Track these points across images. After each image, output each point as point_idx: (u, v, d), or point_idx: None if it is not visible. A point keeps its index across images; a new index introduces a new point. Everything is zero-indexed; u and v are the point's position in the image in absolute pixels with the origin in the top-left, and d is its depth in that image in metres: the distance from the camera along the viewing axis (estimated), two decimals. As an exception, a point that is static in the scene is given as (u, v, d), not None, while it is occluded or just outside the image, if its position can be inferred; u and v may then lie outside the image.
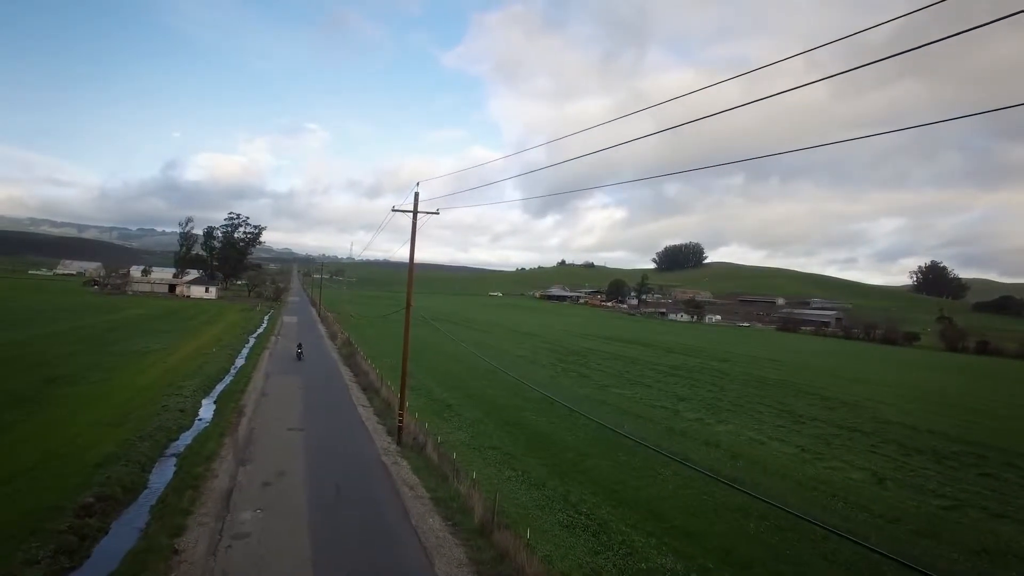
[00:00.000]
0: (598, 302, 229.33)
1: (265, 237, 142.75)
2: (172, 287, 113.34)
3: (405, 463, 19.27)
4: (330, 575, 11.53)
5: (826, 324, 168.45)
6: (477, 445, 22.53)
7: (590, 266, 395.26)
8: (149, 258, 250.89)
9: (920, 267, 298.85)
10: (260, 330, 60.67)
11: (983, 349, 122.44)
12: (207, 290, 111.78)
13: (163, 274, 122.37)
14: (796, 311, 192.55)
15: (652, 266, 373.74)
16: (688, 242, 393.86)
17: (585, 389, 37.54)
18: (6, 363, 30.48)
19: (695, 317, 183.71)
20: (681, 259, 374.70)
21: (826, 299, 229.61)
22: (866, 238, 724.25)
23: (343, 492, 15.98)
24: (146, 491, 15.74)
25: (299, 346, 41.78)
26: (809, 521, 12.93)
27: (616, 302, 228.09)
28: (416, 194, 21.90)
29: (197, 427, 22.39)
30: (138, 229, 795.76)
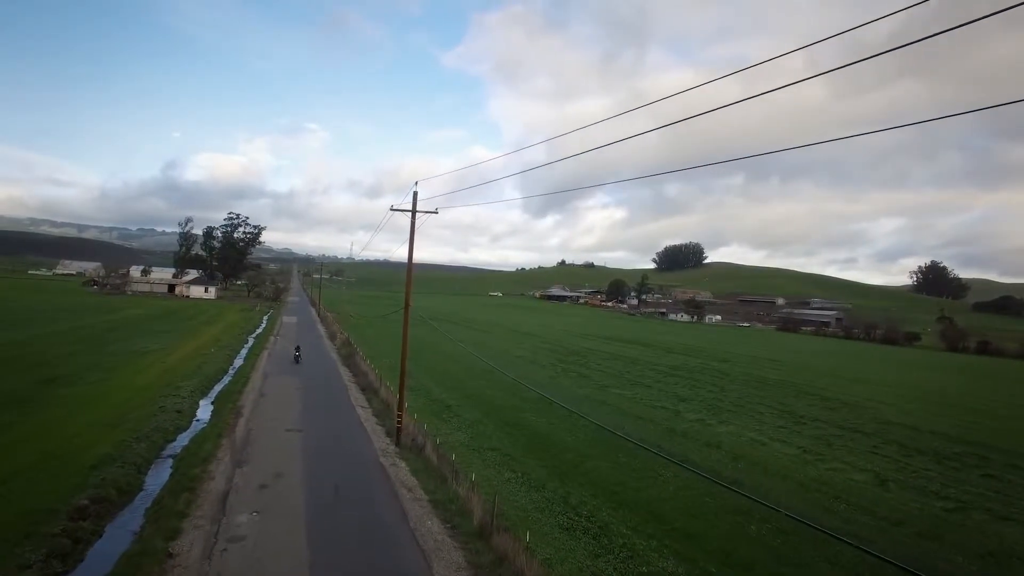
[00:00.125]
0: (598, 302, 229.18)
1: (265, 237, 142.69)
2: (171, 287, 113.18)
3: (404, 464, 19.12)
4: (327, 579, 11.37)
5: (826, 324, 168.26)
6: (476, 446, 22.37)
7: (590, 266, 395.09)
8: (149, 258, 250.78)
9: (920, 267, 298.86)
10: (259, 330, 60.51)
11: (984, 349, 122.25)
12: (206, 290, 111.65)
13: (163, 274, 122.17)
14: (796, 311, 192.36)
15: (652, 266, 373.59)
16: (688, 242, 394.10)
17: (585, 389, 37.38)
18: (4, 363, 30.34)
19: (695, 317, 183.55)
20: (681, 259, 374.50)
21: (826, 299, 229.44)
22: (866, 238, 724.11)
23: (341, 494, 15.82)
24: (142, 493, 15.60)
25: (297, 348, 40.32)
26: (807, 524, 12.78)
27: (616, 302, 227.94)
28: (415, 193, 21.76)
29: (195, 428, 22.25)
30: (138, 229, 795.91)
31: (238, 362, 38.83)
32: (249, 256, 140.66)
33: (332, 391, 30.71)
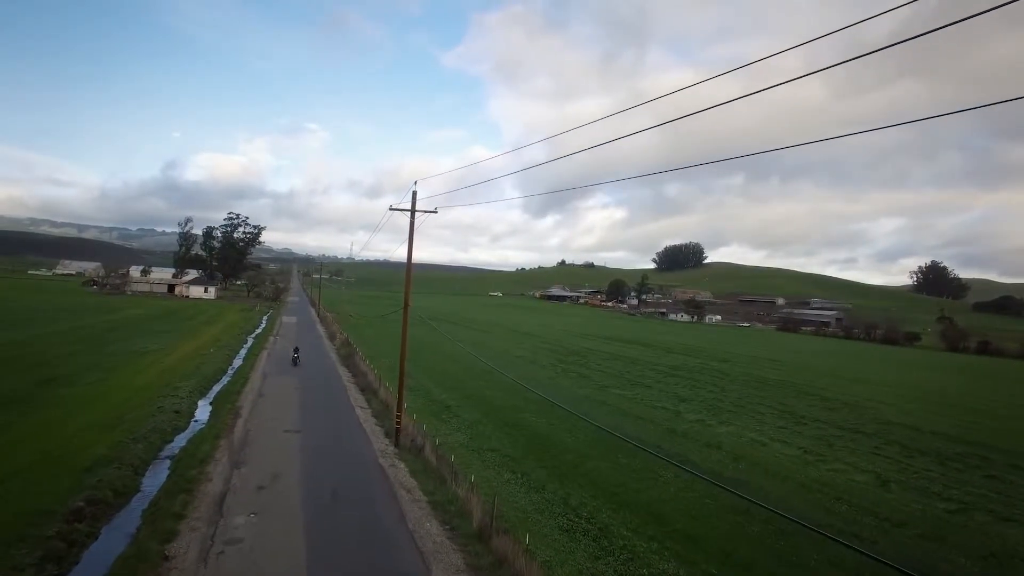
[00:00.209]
0: (598, 302, 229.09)
1: (265, 237, 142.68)
2: (171, 287, 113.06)
3: (403, 465, 19.00)
4: (324, 582, 11.26)
5: (826, 324, 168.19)
6: (476, 447, 22.26)
7: (590, 266, 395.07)
8: (149, 258, 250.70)
9: (920, 267, 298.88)
10: (258, 330, 60.40)
11: (984, 349, 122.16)
12: (206, 290, 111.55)
13: (162, 274, 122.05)
14: (796, 311, 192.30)
15: (652, 266, 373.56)
16: (688, 242, 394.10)
17: (585, 390, 37.27)
18: (3, 363, 30.23)
19: (695, 317, 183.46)
20: (681, 259, 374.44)
21: (826, 299, 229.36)
22: (866, 238, 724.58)
23: (339, 495, 15.70)
24: (138, 495, 15.45)
25: (295, 350, 39.06)
26: (806, 526, 12.65)
27: (616, 302, 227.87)
28: (414, 193, 21.66)
29: (192, 428, 22.11)
30: (138, 229, 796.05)
31: (237, 362, 38.72)
32: (249, 256, 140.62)
33: (331, 391, 30.59)
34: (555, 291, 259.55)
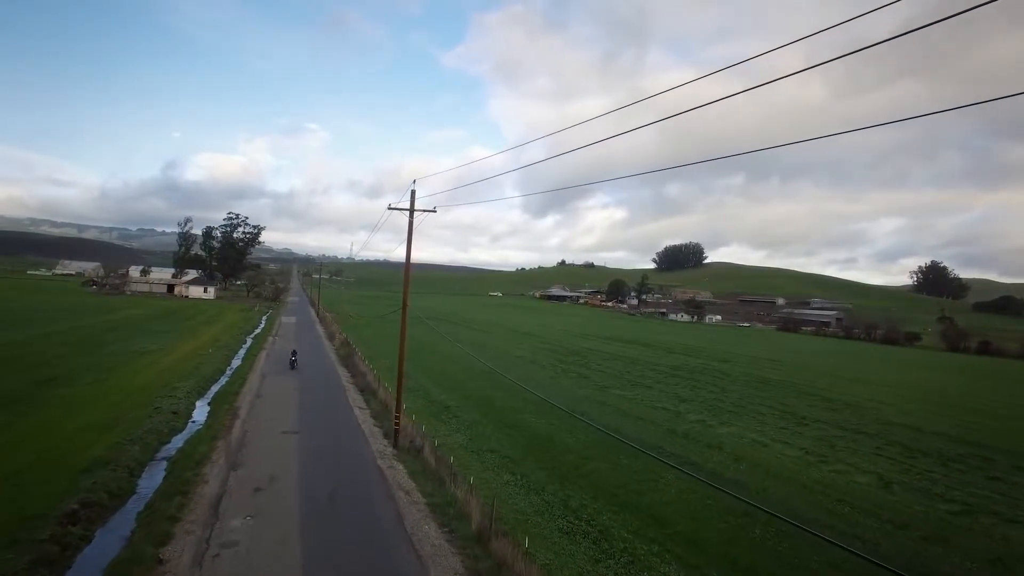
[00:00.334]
0: (598, 302, 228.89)
1: (265, 237, 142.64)
2: (171, 287, 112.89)
3: (401, 467, 18.83)
4: (321, 586, 11.10)
5: (826, 324, 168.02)
6: (475, 448, 22.10)
7: (590, 266, 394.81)
8: (149, 258, 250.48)
9: (920, 267, 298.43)
10: (258, 331, 60.22)
11: (984, 349, 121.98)
12: (205, 290, 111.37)
13: (162, 274, 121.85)
14: (796, 311, 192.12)
15: (652, 266, 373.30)
16: (688, 242, 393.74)
17: (585, 390, 37.11)
18: (0, 363, 30.05)
19: (695, 317, 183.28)
20: (681, 259, 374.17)
21: (826, 299, 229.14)
22: (866, 238, 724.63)
23: (337, 498, 15.54)
24: (134, 497, 15.30)
25: (293, 354, 37.34)
26: (807, 530, 12.50)
27: (616, 302, 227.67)
28: (412, 192, 21.49)
29: (190, 430, 21.94)
30: (138, 229, 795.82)
31: (236, 363, 38.55)
32: (249, 256, 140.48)
33: (330, 392, 30.42)
34: (555, 291, 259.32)
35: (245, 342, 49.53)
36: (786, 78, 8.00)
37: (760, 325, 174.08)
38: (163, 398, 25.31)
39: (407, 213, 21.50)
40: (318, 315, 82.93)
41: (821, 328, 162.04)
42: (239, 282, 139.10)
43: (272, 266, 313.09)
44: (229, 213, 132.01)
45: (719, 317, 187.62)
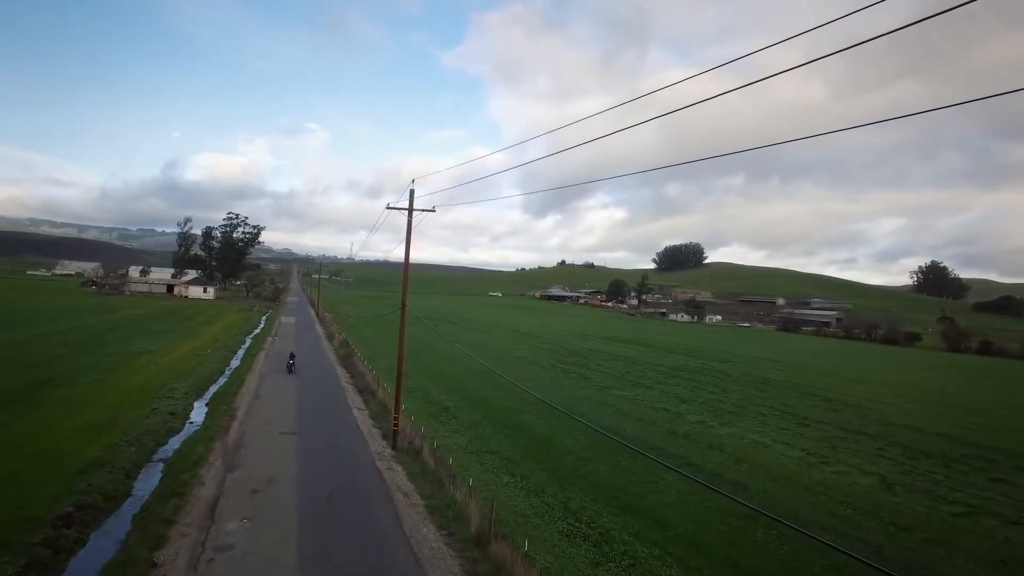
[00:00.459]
0: (598, 302, 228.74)
1: (265, 237, 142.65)
2: (170, 287, 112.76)
3: (400, 468, 18.69)
4: (317, 590, 10.95)
5: (827, 324, 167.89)
6: (475, 449, 21.95)
7: (590, 266, 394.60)
8: (149, 258, 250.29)
9: (920, 267, 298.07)
10: (257, 331, 60.09)
11: (985, 349, 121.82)
12: (205, 290, 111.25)
13: (161, 274, 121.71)
14: (796, 311, 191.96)
15: (652, 266, 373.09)
16: (688, 242, 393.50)
17: (585, 390, 36.96)
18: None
19: (695, 317, 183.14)
20: (681, 259, 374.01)
21: (826, 299, 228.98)
22: (866, 238, 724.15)
23: (334, 500, 15.39)
24: (130, 499, 15.16)
25: (291, 356, 35.73)
26: (808, 534, 12.36)
27: (616, 302, 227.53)
28: (411, 192, 21.34)
29: (187, 431, 21.79)
30: (138, 229, 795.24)
31: (235, 363, 38.42)
32: (248, 256, 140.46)
33: (329, 393, 30.27)
34: (555, 291, 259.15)
35: (244, 342, 49.40)
36: (786, 72, 7.87)
37: (760, 325, 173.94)
38: (161, 399, 25.17)
39: (406, 213, 21.37)
40: (318, 315, 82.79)
41: (821, 328, 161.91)
42: (239, 282, 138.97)
43: (272, 266, 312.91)
44: (229, 213, 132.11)
45: (719, 317, 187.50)
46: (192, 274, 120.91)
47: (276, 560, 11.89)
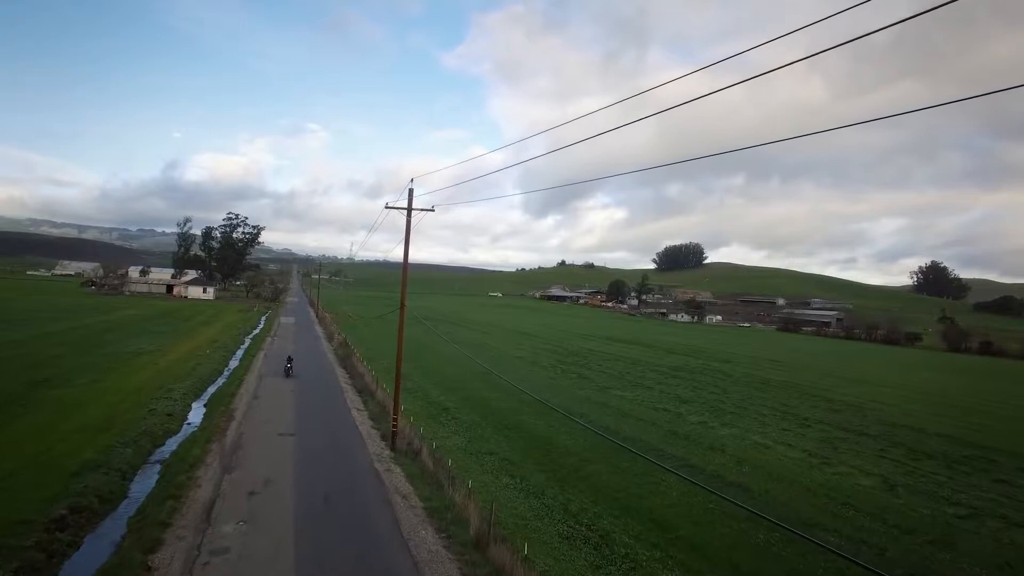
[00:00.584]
0: (598, 302, 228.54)
1: (265, 237, 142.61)
2: (170, 288, 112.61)
3: (398, 470, 18.53)
4: (314, 594, 10.80)
5: (827, 324, 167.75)
6: (474, 450, 21.80)
7: (590, 266, 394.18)
8: (149, 259, 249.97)
9: (920, 267, 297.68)
10: (256, 331, 59.93)
11: (986, 350, 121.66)
12: (204, 291, 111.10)
13: (161, 275, 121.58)
14: (797, 311, 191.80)
15: (652, 266, 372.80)
16: (688, 242, 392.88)
17: (586, 391, 36.79)
18: (-7, 365, 29.77)
19: (695, 317, 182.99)
20: (681, 259, 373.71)
21: (827, 299, 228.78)
22: (867, 238, 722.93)
23: (332, 502, 15.23)
24: (126, 501, 15.01)
25: (288, 360, 34.59)
26: (808, 539, 12.20)
27: (616, 302, 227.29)
28: (410, 191, 21.19)
29: (185, 432, 21.63)
30: (138, 230, 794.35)
31: (233, 364, 38.26)
32: (248, 256, 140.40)
33: (328, 393, 30.11)
34: (555, 291, 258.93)
35: (243, 343, 49.23)
36: (786, 67, 7.77)
37: (760, 325, 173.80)
38: (159, 400, 25.01)
39: (405, 212, 21.21)
40: (317, 315, 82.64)
41: (821, 328, 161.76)
42: (238, 282, 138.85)
43: (272, 266, 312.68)
44: (229, 213, 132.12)
45: (719, 317, 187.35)
46: (192, 274, 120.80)
47: (272, 564, 11.73)
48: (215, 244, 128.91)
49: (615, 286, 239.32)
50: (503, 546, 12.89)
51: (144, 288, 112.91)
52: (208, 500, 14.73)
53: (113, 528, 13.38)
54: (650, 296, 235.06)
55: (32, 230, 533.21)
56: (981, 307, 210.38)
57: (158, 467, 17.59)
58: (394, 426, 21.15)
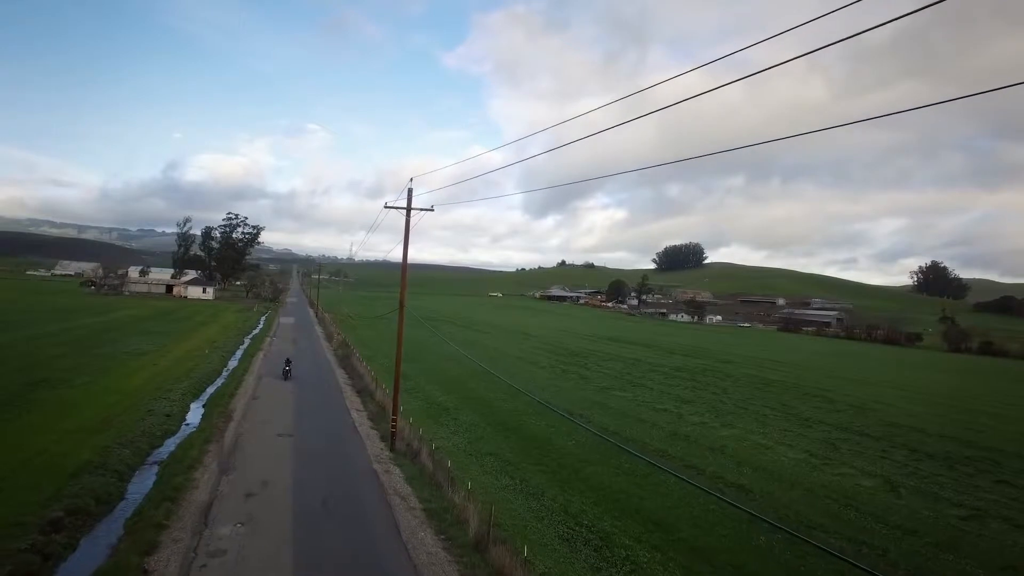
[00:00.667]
0: (598, 302, 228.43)
1: (265, 238, 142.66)
2: (169, 288, 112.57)
3: (397, 471, 18.44)
4: (312, 597, 10.70)
5: (827, 324, 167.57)
6: (474, 451, 21.70)
7: (590, 266, 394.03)
8: (149, 259, 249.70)
9: (921, 267, 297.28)
10: (256, 331, 59.84)
11: (986, 350, 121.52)
12: (204, 291, 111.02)
13: (161, 275, 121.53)
14: (797, 311, 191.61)
15: (652, 266, 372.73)
16: (688, 242, 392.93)
17: (586, 391, 36.70)
18: (-10, 366, 29.66)
19: (696, 318, 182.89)
20: (681, 259, 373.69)
21: (827, 299, 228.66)
22: (867, 238, 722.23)
23: (330, 504, 15.13)
24: (123, 502, 14.90)
25: (287, 362, 33.78)
26: (809, 541, 12.09)
27: (616, 302, 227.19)
28: (409, 190, 21.10)
29: (183, 432, 21.54)
30: (138, 230, 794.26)
31: (232, 364, 38.16)
32: (248, 256, 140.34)
33: (327, 394, 30.03)
34: (555, 291, 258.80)
35: (242, 343, 49.15)
36: (786, 63, 7.73)
37: (761, 325, 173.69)
38: (157, 400, 24.93)
39: (404, 212, 21.12)
40: (317, 316, 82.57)
41: (822, 328, 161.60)
42: (238, 282, 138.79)
43: (272, 267, 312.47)
44: (228, 213, 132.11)
45: (719, 317, 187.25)
46: (191, 274, 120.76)
47: (270, 566, 11.63)
48: (215, 244, 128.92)
49: (615, 286, 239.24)
50: (503, 548, 12.79)
51: (144, 288, 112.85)
52: (205, 502, 14.62)
53: (110, 530, 13.28)
54: (650, 296, 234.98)
55: (32, 230, 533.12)
56: (981, 307, 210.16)
57: (156, 468, 17.49)
58: (393, 427, 21.06)
